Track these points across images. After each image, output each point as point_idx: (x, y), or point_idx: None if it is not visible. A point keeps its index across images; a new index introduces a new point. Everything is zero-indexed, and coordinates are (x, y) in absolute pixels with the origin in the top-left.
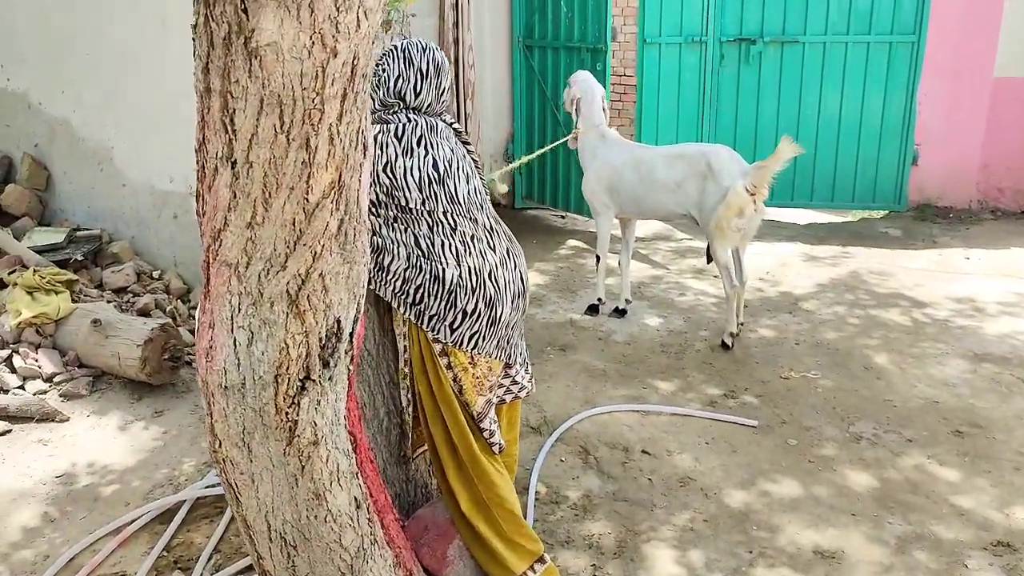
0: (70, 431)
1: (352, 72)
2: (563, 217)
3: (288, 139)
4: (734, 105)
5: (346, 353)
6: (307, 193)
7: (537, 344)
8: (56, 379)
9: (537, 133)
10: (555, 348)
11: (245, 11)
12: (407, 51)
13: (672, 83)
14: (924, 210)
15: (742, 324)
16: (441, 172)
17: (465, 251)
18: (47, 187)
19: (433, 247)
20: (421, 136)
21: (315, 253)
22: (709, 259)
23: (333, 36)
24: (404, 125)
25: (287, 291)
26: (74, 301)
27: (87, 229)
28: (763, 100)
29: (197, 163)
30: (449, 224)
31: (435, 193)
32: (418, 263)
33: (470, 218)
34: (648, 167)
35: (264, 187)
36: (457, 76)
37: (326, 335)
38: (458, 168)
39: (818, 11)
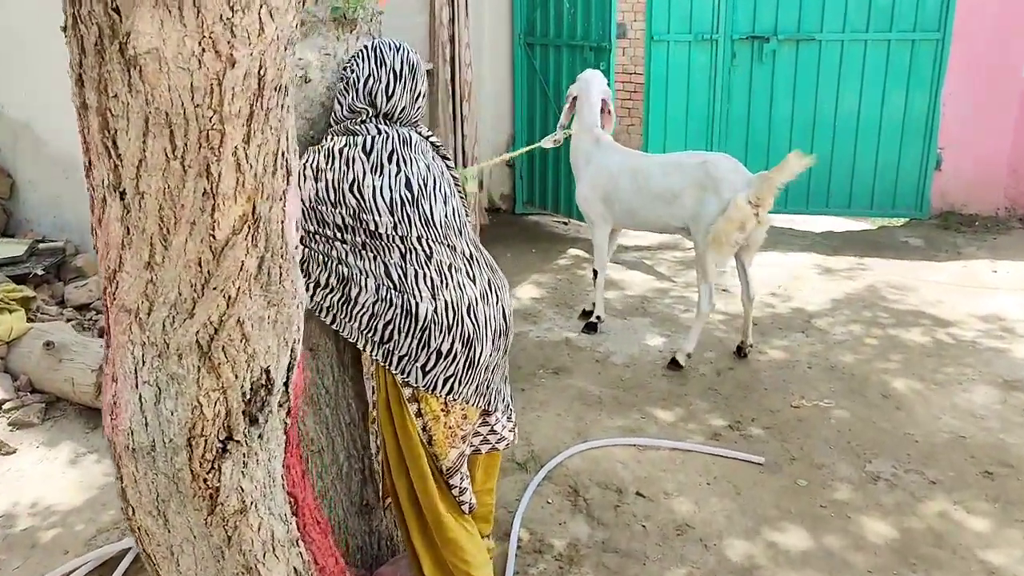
0: (16, 465)
1: (259, 86)
2: (565, 223)
3: (183, 166)
4: (746, 106)
5: (280, 406)
6: (213, 229)
7: (529, 366)
8: (6, 406)
9: (539, 136)
10: (548, 371)
11: (117, 10)
12: (378, 50)
13: (681, 83)
14: (947, 218)
15: (751, 345)
16: (415, 192)
17: (441, 283)
18: (11, 195)
19: (405, 277)
20: (393, 151)
21: (229, 297)
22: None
23: (228, 42)
24: (374, 138)
25: (197, 342)
26: (30, 320)
27: (51, 241)
28: (777, 101)
29: (87, 191)
30: (424, 251)
31: (408, 216)
32: (388, 295)
33: (447, 244)
34: (644, 176)
35: (160, 222)
36: (453, 76)
37: (251, 388)
38: (435, 187)
39: (836, 7)
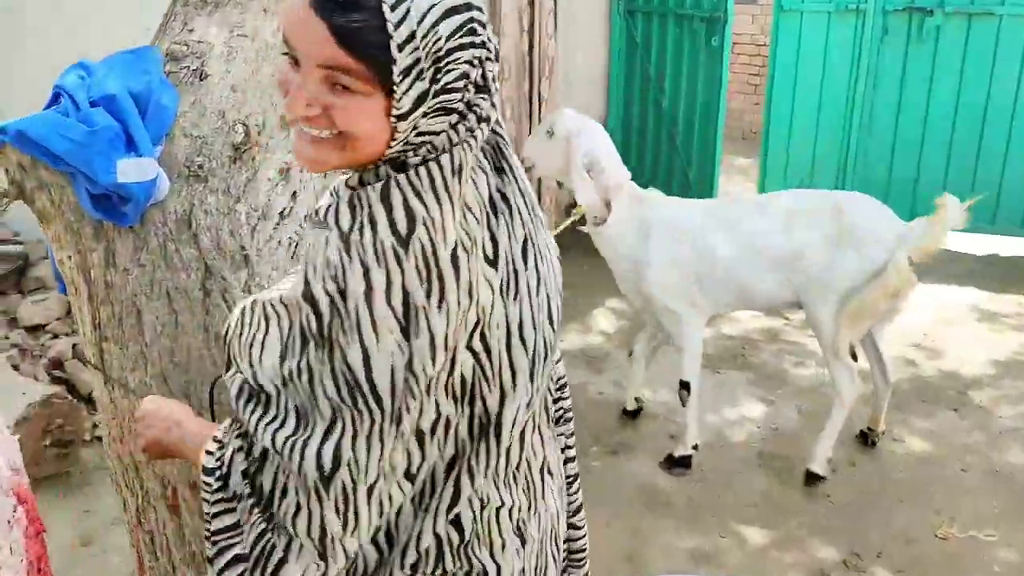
0: None
1: None
2: None
3: None
4: (897, 93)
5: None
6: None
7: (580, 439)
8: None
9: (636, 120)
10: (604, 449)
11: None
12: None
13: (815, 63)
14: None
15: (883, 432)
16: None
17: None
18: None
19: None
20: (527, 238)
21: None
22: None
23: None
24: (497, 209)
25: None
26: None
27: (16, 242)
28: (937, 89)
29: None
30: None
31: (534, 381)
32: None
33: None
34: (746, 230)
35: None
36: (531, 47)
37: None
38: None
39: None
